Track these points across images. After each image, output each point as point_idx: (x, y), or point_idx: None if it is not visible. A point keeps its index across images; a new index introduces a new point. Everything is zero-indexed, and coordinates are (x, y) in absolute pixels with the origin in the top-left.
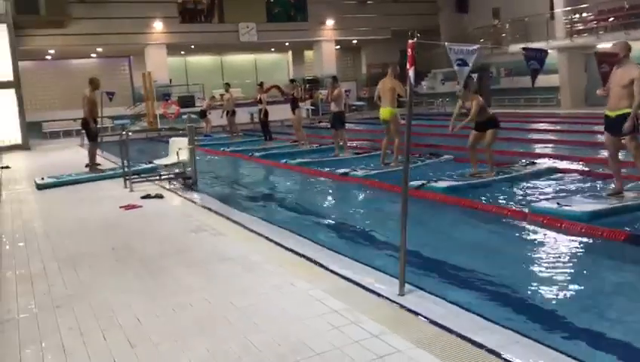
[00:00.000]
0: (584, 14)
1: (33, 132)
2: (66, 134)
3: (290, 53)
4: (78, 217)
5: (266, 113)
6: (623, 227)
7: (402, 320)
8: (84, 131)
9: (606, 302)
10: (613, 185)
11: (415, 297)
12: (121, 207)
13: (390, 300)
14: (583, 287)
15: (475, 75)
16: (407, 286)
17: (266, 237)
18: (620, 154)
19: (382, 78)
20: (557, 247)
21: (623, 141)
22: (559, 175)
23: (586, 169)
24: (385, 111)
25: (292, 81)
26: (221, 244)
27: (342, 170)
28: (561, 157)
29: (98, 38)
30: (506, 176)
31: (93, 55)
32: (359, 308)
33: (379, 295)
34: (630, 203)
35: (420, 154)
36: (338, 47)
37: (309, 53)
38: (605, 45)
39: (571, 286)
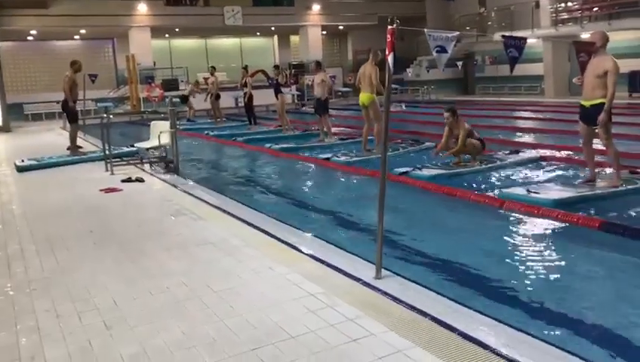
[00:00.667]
0: (569, 4)
1: (14, 114)
2: (48, 116)
3: (275, 37)
4: (58, 200)
5: (251, 97)
6: (590, 213)
7: (378, 304)
8: (64, 113)
9: (577, 287)
10: (586, 173)
11: (391, 282)
12: (101, 190)
13: (367, 284)
14: (554, 272)
15: (459, 63)
16: (383, 270)
17: (246, 222)
18: (593, 142)
19: (364, 64)
20: (529, 234)
21: (596, 130)
22: (542, 163)
23: (569, 157)
24: (363, 96)
25: (276, 67)
26: (201, 228)
27: (324, 156)
28: (545, 146)
29: (81, 19)
30: (489, 165)
31: (76, 37)
32: (336, 292)
33: (356, 279)
34: (600, 191)
35: (402, 140)
36: (324, 32)
37: (294, 38)
38: (588, 35)
39: (543, 272)
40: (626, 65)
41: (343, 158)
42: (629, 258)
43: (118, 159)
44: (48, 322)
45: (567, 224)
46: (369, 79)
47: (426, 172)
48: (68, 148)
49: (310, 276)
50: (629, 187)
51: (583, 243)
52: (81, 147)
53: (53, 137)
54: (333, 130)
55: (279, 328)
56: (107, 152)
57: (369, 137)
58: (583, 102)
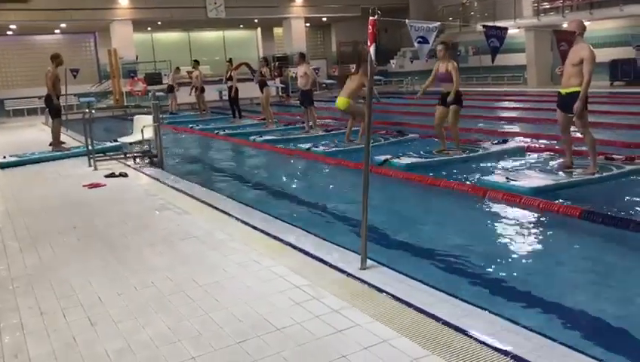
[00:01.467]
0: None
1: None
2: (30, 112)
3: (259, 30)
4: (41, 196)
5: (237, 90)
6: (568, 202)
7: (363, 294)
8: (47, 108)
9: (558, 274)
10: (562, 159)
11: (376, 272)
12: (84, 186)
13: (352, 275)
14: (535, 259)
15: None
16: (368, 261)
17: (231, 215)
18: (571, 130)
19: (353, 62)
20: (511, 222)
21: (573, 118)
22: (523, 152)
23: (550, 146)
24: (341, 100)
25: (265, 59)
26: (185, 222)
27: (305, 146)
28: (526, 135)
29: (62, 13)
30: (472, 154)
31: (57, 31)
32: (321, 284)
33: (341, 270)
34: (577, 178)
35: (387, 132)
36: (308, 24)
37: (278, 31)
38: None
39: (524, 259)
40: (607, 54)
41: (322, 148)
42: (608, 244)
43: (102, 154)
44: (32, 319)
45: (549, 212)
46: (353, 88)
47: (406, 160)
48: (50, 145)
49: (295, 268)
50: (605, 174)
51: (564, 231)
52: (64, 143)
53: (36, 133)
54: (318, 122)
55: (265, 320)
56: (90, 147)
57: (354, 128)
58: (560, 90)
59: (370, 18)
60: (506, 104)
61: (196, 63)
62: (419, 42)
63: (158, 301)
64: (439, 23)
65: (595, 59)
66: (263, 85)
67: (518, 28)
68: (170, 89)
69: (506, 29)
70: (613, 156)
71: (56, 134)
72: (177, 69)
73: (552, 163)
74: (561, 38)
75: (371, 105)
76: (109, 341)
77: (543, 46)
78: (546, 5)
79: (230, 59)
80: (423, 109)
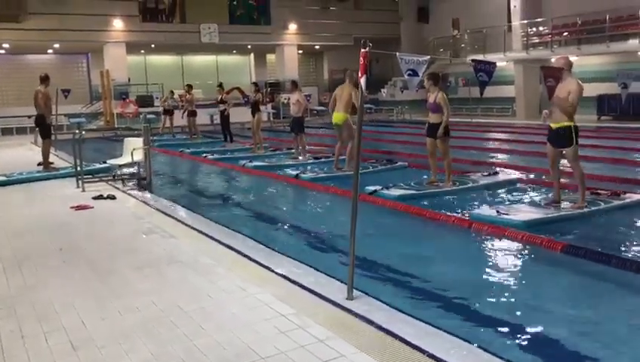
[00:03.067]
0: (540, 28)
1: None
2: (20, 131)
3: (252, 55)
4: (27, 216)
5: (227, 115)
6: (557, 236)
7: (349, 325)
8: (37, 128)
9: (544, 308)
10: (551, 194)
11: (363, 303)
12: (71, 208)
13: (338, 305)
14: (520, 293)
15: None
16: (355, 291)
17: (218, 241)
18: (560, 164)
19: (341, 85)
20: (498, 255)
21: (563, 152)
22: (513, 184)
23: (539, 179)
24: (338, 116)
25: (255, 84)
26: (172, 247)
27: (294, 173)
28: (516, 168)
29: (55, 33)
30: (462, 186)
31: (50, 51)
32: (307, 313)
33: (327, 300)
34: (565, 213)
35: (376, 160)
36: (300, 51)
37: (271, 57)
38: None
39: (510, 292)
40: (595, 89)
41: (310, 175)
42: (587, 279)
43: (90, 176)
44: (13, 343)
45: (533, 246)
46: (347, 99)
47: (394, 191)
48: (39, 164)
49: (281, 296)
50: (593, 208)
51: (547, 265)
52: (52, 163)
53: (24, 152)
54: (308, 148)
55: (249, 349)
56: (79, 169)
57: (341, 157)
58: (550, 124)
59: (362, 50)
60: (494, 135)
61: (189, 87)
62: (409, 75)
63: (142, 326)
64: (429, 56)
65: (582, 92)
66: (254, 110)
67: (507, 61)
68: (166, 111)
69: (494, 63)
70: (599, 191)
71: (45, 154)
72: (171, 92)
73: (540, 196)
74: (548, 75)
75: (361, 132)
76: None
77: (531, 79)
78: (535, 40)
79: (221, 83)
80: (413, 138)
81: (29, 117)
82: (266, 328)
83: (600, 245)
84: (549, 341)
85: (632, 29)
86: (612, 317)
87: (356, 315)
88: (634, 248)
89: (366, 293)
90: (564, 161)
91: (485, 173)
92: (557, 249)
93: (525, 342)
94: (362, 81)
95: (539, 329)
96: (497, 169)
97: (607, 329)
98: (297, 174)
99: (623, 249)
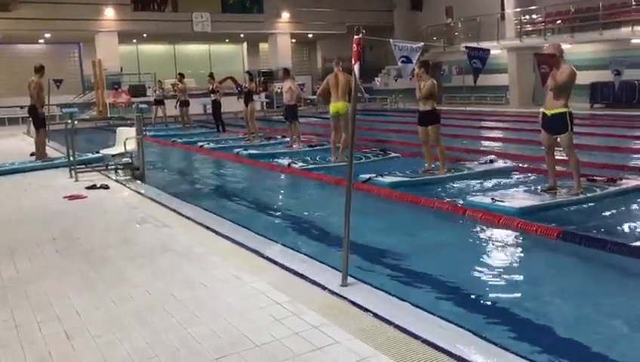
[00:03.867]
0: (533, 16)
1: None
2: (12, 121)
3: (245, 44)
4: (19, 207)
5: (219, 104)
6: (553, 222)
7: (343, 311)
8: (31, 118)
9: (539, 294)
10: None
11: (357, 289)
12: (64, 197)
13: (332, 292)
14: (516, 279)
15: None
16: (349, 278)
17: (212, 229)
18: (555, 151)
19: (331, 73)
20: (493, 241)
21: (558, 139)
22: (508, 172)
23: (534, 166)
24: (339, 105)
25: (249, 73)
26: (166, 236)
27: (287, 162)
28: (509, 155)
29: (46, 23)
30: (456, 173)
31: (41, 41)
32: (301, 300)
33: (322, 287)
34: (561, 199)
35: (371, 149)
36: (294, 40)
37: (264, 46)
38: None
39: (504, 278)
40: (587, 77)
41: (304, 165)
42: (584, 265)
43: (83, 166)
44: (6, 332)
45: (528, 233)
46: (345, 87)
47: (388, 179)
48: (32, 155)
49: (276, 284)
50: (589, 195)
51: (543, 252)
52: (46, 154)
53: (16, 143)
54: (302, 137)
55: (244, 337)
56: (72, 159)
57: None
58: (545, 111)
59: (355, 37)
60: (488, 123)
61: (181, 76)
62: (402, 62)
63: (136, 315)
64: (422, 43)
65: (574, 77)
66: (247, 100)
67: (501, 49)
68: (156, 102)
69: (488, 50)
70: (595, 178)
71: (40, 145)
72: (159, 82)
73: (536, 184)
74: (542, 61)
75: (355, 121)
76: (85, 356)
77: (525, 67)
78: (529, 27)
79: (211, 73)
80: (406, 127)
81: (21, 107)
82: (261, 316)
83: (596, 231)
84: (543, 327)
85: (625, 16)
86: (608, 302)
87: (351, 302)
88: (629, 233)
89: (360, 280)
90: (559, 149)
91: (480, 161)
92: (553, 235)
93: (519, 328)
94: (356, 68)
95: (533, 315)
96: (493, 157)
97: (604, 313)
98: (289, 163)
99: (619, 234)
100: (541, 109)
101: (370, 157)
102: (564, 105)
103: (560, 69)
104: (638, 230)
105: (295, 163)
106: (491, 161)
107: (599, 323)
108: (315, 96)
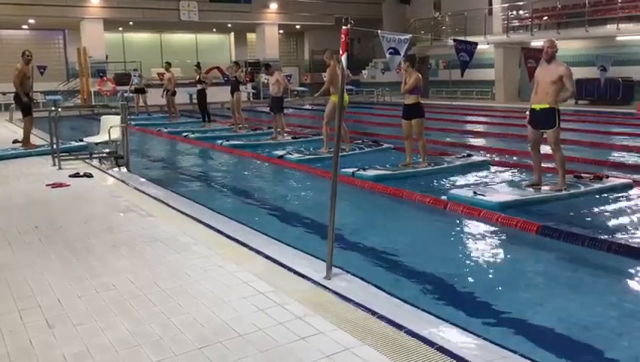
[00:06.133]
0: (520, 12)
1: None
2: None
3: (232, 34)
4: (1, 194)
5: (205, 94)
6: (534, 217)
7: (327, 302)
8: (16, 105)
9: (518, 286)
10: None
11: (341, 280)
12: (47, 185)
13: (317, 283)
14: (496, 271)
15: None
16: (334, 269)
17: (197, 219)
18: (541, 147)
19: (329, 67)
20: (473, 235)
21: (544, 135)
22: (491, 166)
23: (517, 162)
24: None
25: (236, 63)
26: (149, 225)
27: (277, 153)
28: (493, 150)
29: (30, 8)
30: (438, 167)
31: (25, 26)
32: (285, 291)
33: (306, 278)
34: (544, 195)
35: (363, 141)
36: (281, 31)
37: (251, 36)
38: (538, 42)
39: (485, 271)
40: (573, 74)
41: (295, 156)
42: (563, 262)
43: (67, 154)
44: None
45: (508, 227)
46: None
47: (370, 172)
48: (15, 141)
49: (260, 274)
50: (572, 191)
51: (523, 246)
52: (29, 141)
53: None
54: (287, 128)
55: (227, 326)
56: (55, 146)
57: (321, 136)
58: (533, 106)
59: (343, 27)
60: (474, 118)
61: (168, 65)
62: (390, 53)
63: (118, 304)
64: (410, 35)
65: (572, 74)
66: (234, 89)
67: (488, 44)
68: (136, 90)
69: (475, 43)
70: (582, 174)
71: (26, 132)
72: (135, 69)
73: (520, 179)
74: (529, 56)
75: (342, 115)
76: (67, 344)
77: (511, 62)
78: (515, 23)
79: (198, 63)
80: (393, 120)
81: (4, 94)
82: (245, 305)
83: (575, 227)
84: (522, 321)
85: (611, 13)
86: (586, 297)
87: (335, 293)
88: (608, 230)
89: (345, 271)
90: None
91: (460, 155)
92: (532, 230)
93: (499, 321)
94: (343, 58)
95: (513, 308)
96: (474, 151)
97: (580, 308)
98: (282, 155)
99: (598, 230)
100: (529, 105)
101: (364, 148)
102: (554, 101)
103: (552, 65)
104: (615, 226)
105: (289, 153)
106: (470, 155)
107: (573, 315)
108: (302, 88)
